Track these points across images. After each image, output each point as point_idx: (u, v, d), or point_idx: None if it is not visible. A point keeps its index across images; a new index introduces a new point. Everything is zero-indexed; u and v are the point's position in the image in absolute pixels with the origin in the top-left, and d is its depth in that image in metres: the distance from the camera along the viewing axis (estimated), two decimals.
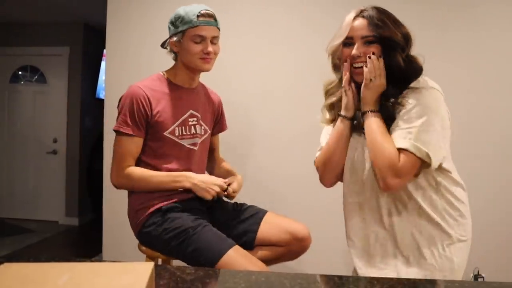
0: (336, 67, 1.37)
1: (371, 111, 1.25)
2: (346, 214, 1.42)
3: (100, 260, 0.93)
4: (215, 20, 1.69)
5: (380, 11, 1.27)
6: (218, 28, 1.71)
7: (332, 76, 1.43)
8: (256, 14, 2.61)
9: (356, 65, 1.27)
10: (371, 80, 1.24)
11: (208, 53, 1.65)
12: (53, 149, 5.03)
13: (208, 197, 1.63)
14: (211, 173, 1.94)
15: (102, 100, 2.97)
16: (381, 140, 1.20)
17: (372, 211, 1.32)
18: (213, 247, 1.52)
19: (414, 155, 1.17)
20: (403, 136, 1.19)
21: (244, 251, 1.57)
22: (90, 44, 5.05)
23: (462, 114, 2.42)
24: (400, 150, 1.18)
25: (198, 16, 1.63)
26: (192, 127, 1.75)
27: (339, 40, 1.28)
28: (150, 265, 0.70)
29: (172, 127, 1.69)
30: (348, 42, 1.27)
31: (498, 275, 1.92)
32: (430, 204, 1.27)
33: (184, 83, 1.76)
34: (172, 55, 1.77)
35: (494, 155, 2.42)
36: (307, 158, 2.60)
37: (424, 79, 1.27)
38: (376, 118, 1.24)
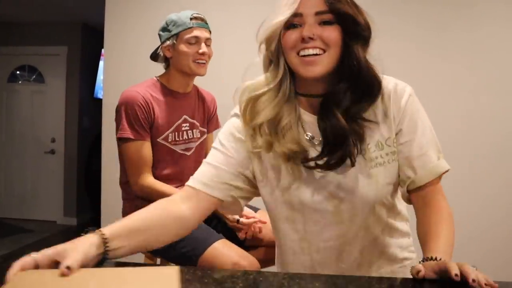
0: (273, 62, 0.96)
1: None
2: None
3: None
4: (206, 23, 1.72)
5: None
6: (210, 31, 1.73)
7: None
8: (254, 13, 2.61)
9: (306, 52, 0.89)
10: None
11: (203, 54, 1.65)
12: (51, 148, 5.02)
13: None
14: None
15: (100, 100, 2.97)
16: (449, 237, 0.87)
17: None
18: (199, 238, 1.50)
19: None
20: (436, 153, 0.95)
21: (233, 244, 1.54)
22: (88, 43, 5.05)
23: (461, 113, 2.43)
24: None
25: (191, 18, 1.65)
26: (185, 132, 1.73)
27: (282, 17, 0.90)
28: (175, 269, 0.67)
29: (166, 133, 1.68)
30: (295, 22, 0.90)
31: (497, 275, 1.93)
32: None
33: (178, 88, 1.74)
34: (163, 64, 1.75)
35: (494, 154, 2.43)
36: None
37: (395, 85, 0.96)
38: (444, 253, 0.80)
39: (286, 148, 0.92)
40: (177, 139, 1.71)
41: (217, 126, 1.94)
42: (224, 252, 1.48)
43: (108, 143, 2.65)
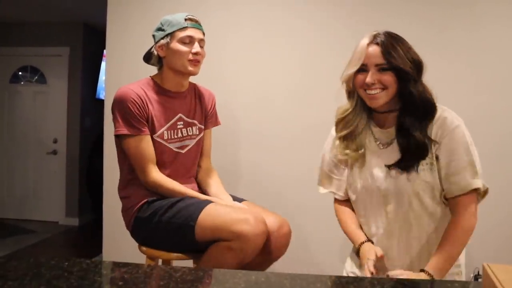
0: (351, 94, 1.37)
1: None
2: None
3: (101, 261, 0.93)
4: (200, 25, 1.75)
5: (393, 37, 1.28)
6: (204, 33, 1.75)
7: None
8: (256, 13, 2.61)
9: (370, 92, 1.28)
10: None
11: (196, 53, 1.68)
12: (53, 149, 5.03)
13: None
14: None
15: (102, 101, 2.97)
16: (461, 243, 1.27)
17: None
18: (193, 205, 1.55)
19: (479, 191, 1.28)
20: (471, 174, 1.25)
21: (224, 204, 1.58)
22: (90, 44, 5.06)
23: (461, 112, 2.42)
24: (473, 190, 1.26)
25: (185, 19, 1.69)
26: (179, 130, 1.75)
27: (355, 68, 1.29)
28: None
29: (161, 131, 1.69)
30: (362, 68, 1.28)
31: None
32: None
33: (172, 87, 1.76)
34: (157, 64, 1.78)
35: (496, 154, 2.42)
36: (304, 157, 2.61)
37: (447, 116, 1.29)
38: (440, 268, 1.22)
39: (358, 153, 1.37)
40: (172, 137, 1.73)
41: (216, 123, 1.94)
42: (219, 209, 1.52)
43: (110, 143, 2.65)
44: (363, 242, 1.34)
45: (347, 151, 1.37)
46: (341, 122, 1.38)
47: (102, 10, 2.81)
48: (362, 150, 1.36)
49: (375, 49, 1.26)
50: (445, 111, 1.30)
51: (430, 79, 2.46)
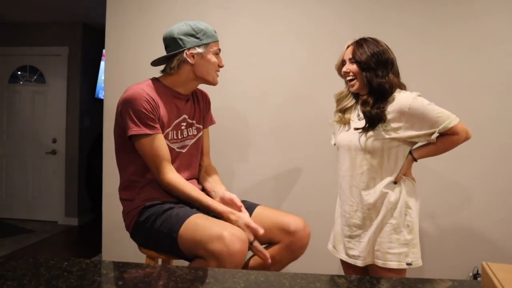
0: (346, 82, 1.83)
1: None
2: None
3: (100, 260, 0.93)
4: None
5: (366, 40, 1.72)
6: None
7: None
8: (256, 13, 2.61)
9: (347, 78, 1.77)
10: None
11: (222, 66, 1.79)
12: (53, 149, 5.03)
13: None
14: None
15: (101, 100, 2.97)
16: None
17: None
18: (178, 216, 1.55)
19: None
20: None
21: (210, 217, 1.56)
22: (89, 44, 5.05)
23: (462, 111, 2.42)
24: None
25: (214, 32, 1.77)
26: (182, 131, 1.78)
27: (339, 61, 1.81)
28: None
29: (166, 131, 1.70)
30: (344, 62, 1.78)
31: None
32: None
33: (184, 90, 1.78)
34: (172, 68, 1.72)
35: (497, 154, 2.42)
36: (304, 156, 2.61)
37: (404, 94, 1.68)
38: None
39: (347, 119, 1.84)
40: (175, 137, 1.74)
41: (212, 122, 1.98)
42: (200, 222, 1.51)
43: (109, 143, 2.65)
44: None
45: (339, 118, 1.86)
46: (338, 100, 1.88)
47: (101, 10, 2.81)
48: (349, 119, 1.81)
49: (350, 49, 1.74)
50: (405, 96, 1.68)
51: (432, 73, 2.47)
